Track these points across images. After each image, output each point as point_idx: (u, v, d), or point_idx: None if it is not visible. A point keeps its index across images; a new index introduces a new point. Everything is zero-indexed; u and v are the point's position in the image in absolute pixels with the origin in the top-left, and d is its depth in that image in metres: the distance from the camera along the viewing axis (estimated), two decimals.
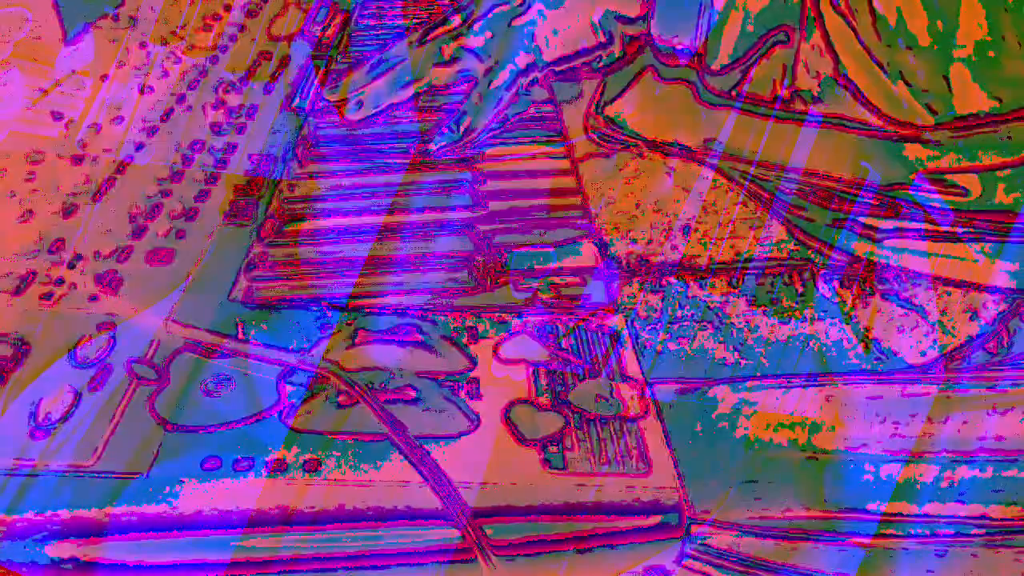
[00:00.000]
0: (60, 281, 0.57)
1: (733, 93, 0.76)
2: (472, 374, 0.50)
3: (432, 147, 0.78)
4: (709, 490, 0.80)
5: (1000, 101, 0.71)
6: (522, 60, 0.78)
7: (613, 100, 0.96)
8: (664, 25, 0.74)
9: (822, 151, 0.80)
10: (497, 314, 0.56)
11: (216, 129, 0.79)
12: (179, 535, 0.42)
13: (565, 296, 0.59)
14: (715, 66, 0.74)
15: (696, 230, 0.84)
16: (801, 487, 0.79)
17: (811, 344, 0.83)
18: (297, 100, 0.86)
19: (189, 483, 0.43)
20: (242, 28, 1.04)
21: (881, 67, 0.69)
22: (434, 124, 0.80)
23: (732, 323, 0.83)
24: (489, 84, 0.78)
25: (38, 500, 0.43)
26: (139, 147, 0.75)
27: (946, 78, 0.70)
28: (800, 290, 0.83)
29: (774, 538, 0.80)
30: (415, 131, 0.82)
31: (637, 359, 0.52)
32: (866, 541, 0.78)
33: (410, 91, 0.81)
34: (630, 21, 0.76)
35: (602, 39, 0.77)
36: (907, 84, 0.70)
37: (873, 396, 0.80)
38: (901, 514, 0.78)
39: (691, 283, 0.83)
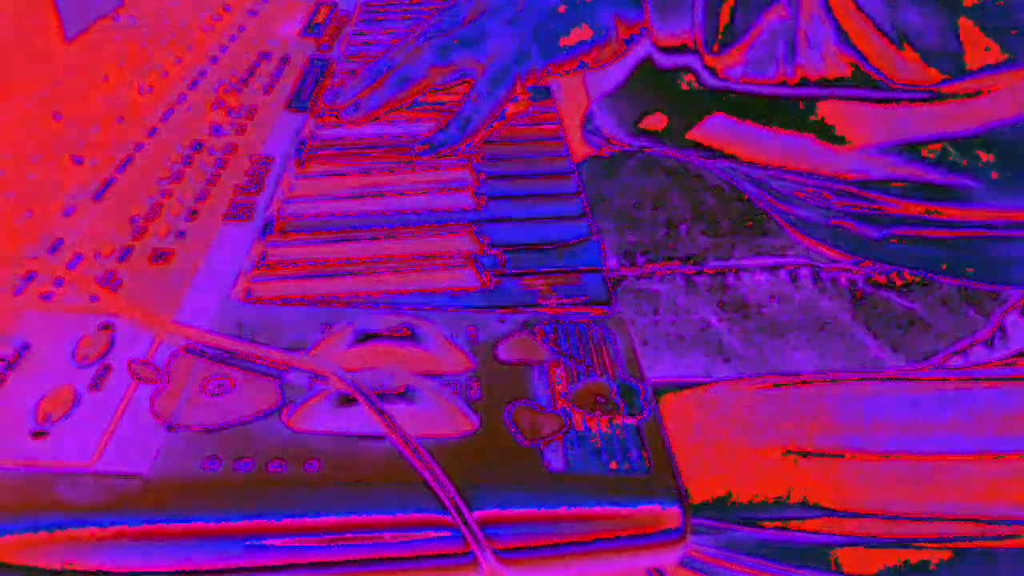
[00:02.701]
0: (60, 281, 0.57)
1: (734, 75, 0.75)
2: (472, 374, 0.50)
3: (432, 147, 0.78)
4: (709, 490, 0.80)
5: (1013, 54, 0.67)
6: (521, 59, 0.78)
7: (611, 95, 0.96)
8: (661, 9, 0.74)
9: (826, 128, 0.79)
10: (497, 314, 0.56)
11: (216, 129, 0.79)
12: (178, 537, 0.42)
13: (565, 296, 0.59)
14: (715, 48, 0.73)
15: (695, 228, 0.84)
16: (802, 486, 0.79)
17: (812, 342, 0.83)
18: (297, 100, 0.86)
19: (189, 484, 0.43)
20: (242, 28, 1.04)
21: (884, 30, 0.67)
22: (434, 124, 0.80)
23: (732, 321, 0.83)
24: (488, 84, 0.78)
25: (37, 500, 0.43)
26: (139, 147, 0.75)
27: (954, 34, 0.66)
28: (799, 288, 0.83)
29: (775, 538, 0.80)
30: (415, 131, 0.82)
31: (637, 358, 0.52)
32: (865, 540, 0.78)
33: (411, 91, 0.81)
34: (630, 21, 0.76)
35: (600, 36, 0.77)
36: (913, 45, 0.67)
37: (874, 394, 0.80)
38: (900, 513, 0.78)
39: (691, 282, 0.83)
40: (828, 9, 0.68)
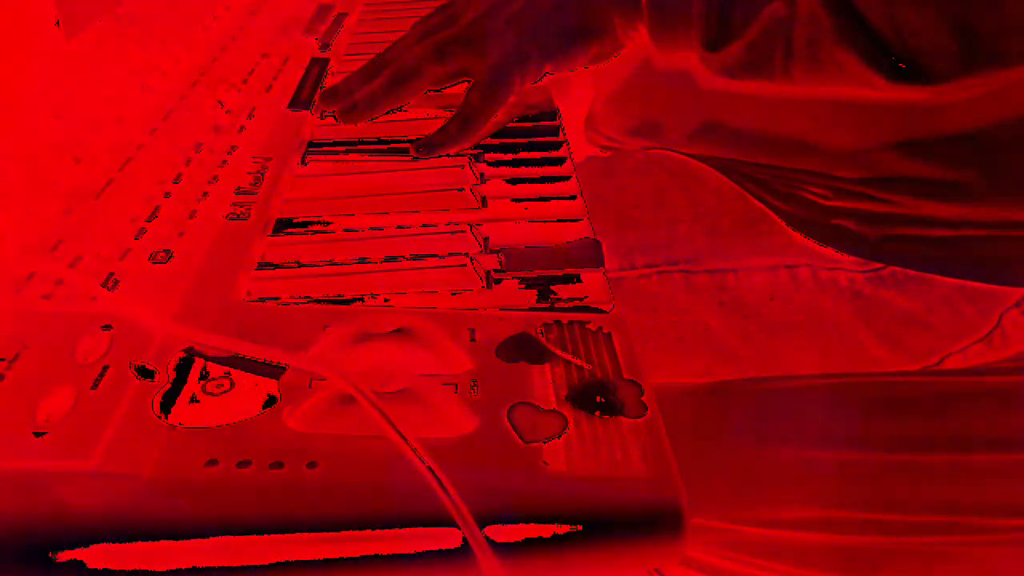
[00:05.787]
0: (60, 281, 0.57)
1: (733, 74, 0.74)
2: (472, 374, 0.50)
3: (431, 147, 0.78)
4: (709, 490, 0.80)
5: (1008, 53, 0.67)
6: (520, 59, 0.78)
7: (611, 95, 0.96)
8: (660, 7, 0.73)
9: (825, 127, 0.79)
10: (497, 314, 0.56)
11: (216, 129, 0.79)
12: (178, 537, 0.42)
13: (564, 296, 0.59)
14: (713, 44, 0.73)
15: (695, 228, 0.84)
16: (802, 486, 0.79)
17: (812, 342, 0.83)
18: (297, 100, 0.86)
19: (189, 484, 0.43)
20: (242, 28, 1.04)
21: (881, 29, 0.66)
22: (433, 124, 0.80)
23: (732, 322, 0.83)
24: (487, 84, 0.78)
25: (37, 501, 0.43)
26: (139, 147, 0.75)
27: (951, 34, 0.66)
28: (799, 288, 0.83)
29: (775, 538, 0.80)
30: (414, 131, 0.82)
31: (637, 358, 0.52)
32: (865, 540, 0.78)
33: (409, 91, 0.82)
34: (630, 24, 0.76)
35: (600, 36, 0.77)
36: (910, 44, 0.66)
37: (873, 394, 0.80)
38: (900, 513, 0.78)
39: (691, 282, 0.83)
40: (825, 6, 0.68)
